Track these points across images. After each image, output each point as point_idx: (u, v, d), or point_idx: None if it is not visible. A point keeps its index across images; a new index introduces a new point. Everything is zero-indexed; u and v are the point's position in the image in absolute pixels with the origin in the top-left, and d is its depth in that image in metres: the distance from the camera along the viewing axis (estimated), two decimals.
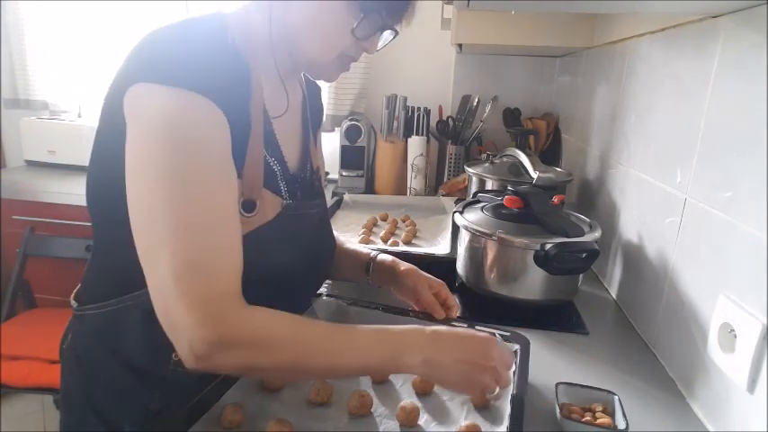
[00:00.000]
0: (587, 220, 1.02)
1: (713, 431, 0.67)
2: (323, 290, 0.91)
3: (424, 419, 0.62)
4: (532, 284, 0.93)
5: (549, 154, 1.70)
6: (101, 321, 0.67)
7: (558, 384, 0.67)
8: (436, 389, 0.67)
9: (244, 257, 0.60)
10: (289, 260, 0.71)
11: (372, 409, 0.63)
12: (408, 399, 0.65)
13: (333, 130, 1.93)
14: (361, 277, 0.89)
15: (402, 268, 0.86)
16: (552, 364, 0.80)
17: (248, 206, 0.64)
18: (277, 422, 0.57)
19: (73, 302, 0.72)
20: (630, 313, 0.97)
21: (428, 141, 1.77)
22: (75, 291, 0.73)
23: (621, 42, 1.15)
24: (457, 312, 0.83)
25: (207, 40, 0.61)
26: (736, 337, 0.62)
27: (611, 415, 0.64)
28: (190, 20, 0.63)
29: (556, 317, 0.94)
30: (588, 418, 0.63)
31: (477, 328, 0.76)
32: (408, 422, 0.60)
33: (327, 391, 0.64)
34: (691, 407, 0.72)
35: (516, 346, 0.73)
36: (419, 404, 0.64)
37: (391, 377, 0.70)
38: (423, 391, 0.67)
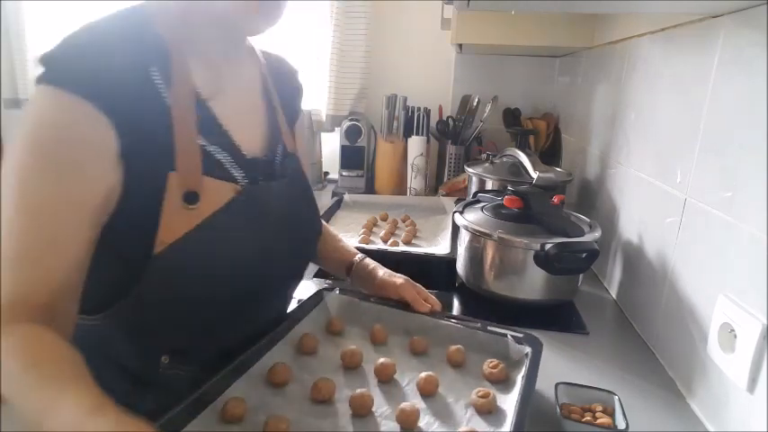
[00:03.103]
0: (587, 220, 1.02)
1: (713, 431, 0.67)
2: (335, 284, 0.90)
3: (425, 421, 0.61)
4: (532, 284, 0.93)
5: (549, 154, 1.70)
6: (85, 332, 0.67)
7: (557, 384, 0.67)
8: (441, 390, 0.66)
9: (203, 245, 0.61)
10: (256, 242, 0.69)
11: (374, 409, 0.62)
12: (412, 400, 0.64)
13: (333, 130, 1.93)
14: (344, 276, 0.90)
15: (378, 279, 0.85)
16: (552, 364, 0.80)
17: (189, 197, 0.61)
18: (275, 419, 0.57)
19: None
20: (630, 313, 0.97)
21: (428, 141, 1.77)
22: None
23: (621, 42, 1.15)
24: (438, 306, 0.82)
25: (105, 39, 0.59)
26: (736, 337, 0.62)
27: (611, 415, 0.64)
28: (104, 17, 0.61)
29: (556, 317, 0.94)
30: (588, 418, 0.63)
31: (490, 328, 0.75)
32: (408, 425, 0.59)
33: (330, 388, 0.64)
34: (691, 407, 0.72)
35: (528, 349, 0.71)
36: (421, 405, 0.63)
37: (396, 377, 0.69)
38: (427, 393, 0.66)
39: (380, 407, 0.63)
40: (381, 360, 0.69)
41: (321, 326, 0.80)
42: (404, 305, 0.81)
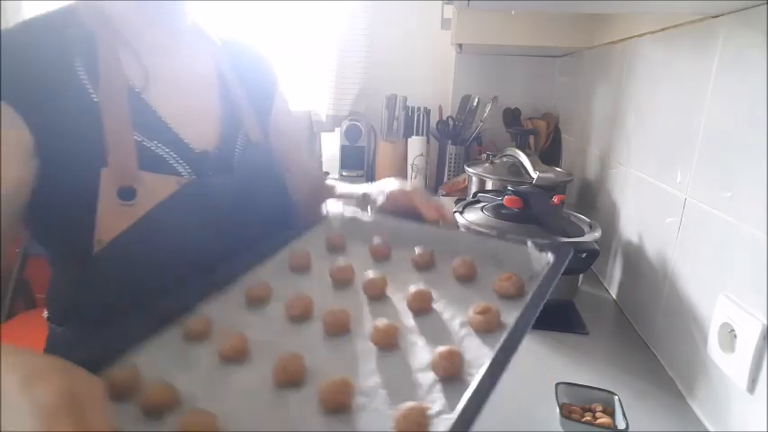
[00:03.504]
0: (587, 220, 1.02)
1: (713, 431, 0.67)
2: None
3: (409, 341, 0.52)
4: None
5: (548, 154, 1.70)
6: (57, 340, 0.68)
7: (557, 384, 0.67)
8: (438, 306, 0.57)
9: (143, 241, 0.59)
10: (204, 237, 0.65)
11: (354, 327, 0.54)
12: (404, 318, 0.56)
13: (333, 130, 1.93)
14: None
15: (388, 193, 0.76)
16: (552, 364, 0.80)
17: (125, 193, 0.59)
18: (236, 338, 0.50)
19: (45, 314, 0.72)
20: (630, 313, 0.97)
21: (428, 141, 1.77)
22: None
23: (621, 42, 1.15)
24: (450, 217, 0.73)
25: (26, 39, 0.59)
26: (736, 337, 0.62)
27: (612, 415, 0.64)
28: (30, 18, 0.62)
29: (556, 317, 0.94)
30: (588, 418, 0.63)
31: (508, 236, 0.67)
32: (384, 344, 0.50)
33: (303, 305, 0.56)
34: (691, 407, 0.72)
35: (551, 257, 0.59)
36: (409, 324, 0.54)
37: (391, 293, 0.60)
38: (417, 309, 0.56)
39: (361, 325, 0.55)
40: (370, 274, 0.60)
41: (321, 243, 0.72)
42: (415, 219, 0.72)
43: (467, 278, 0.61)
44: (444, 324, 0.54)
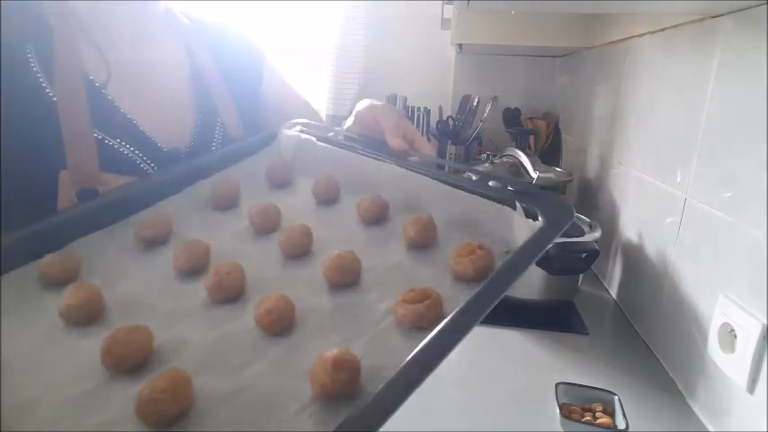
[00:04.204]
0: (587, 220, 1.02)
1: (713, 431, 0.67)
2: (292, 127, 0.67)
3: (302, 329, 0.39)
4: (532, 284, 0.93)
5: (549, 154, 1.70)
6: None
7: (557, 384, 0.67)
8: (368, 279, 0.44)
9: None
10: None
11: (249, 294, 0.44)
12: (317, 290, 0.43)
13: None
14: None
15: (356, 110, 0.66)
16: (552, 364, 0.80)
17: (86, 197, 0.54)
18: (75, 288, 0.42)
19: None
20: (630, 313, 0.97)
21: (428, 141, 1.77)
22: None
23: (621, 42, 1.15)
24: (425, 149, 0.60)
25: None
26: (736, 337, 0.62)
27: (611, 415, 0.64)
28: None
29: (556, 317, 0.94)
30: (588, 418, 0.63)
31: (490, 184, 0.50)
32: (267, 328, 0.38)
33: (191, 258, 0.46)
34: (691, 407, 0.72)
35: (539, 223, 0.44)
36: (322, 300, 0.42)
37: (317, 251, 0.48)
38: (333, 281, 0.43)
39: (257, 292, 0.43)
40: (289, 226, 0.48)
41: (261, 172, 0.60)
42: (381, 147, 0.59)
43: (419, 243, 0.47)
44: (364, 308, 0.41)
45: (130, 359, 0.36)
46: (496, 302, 0.35)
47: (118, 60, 0.61)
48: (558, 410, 0.64)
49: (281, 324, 0.38)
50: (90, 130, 0.56)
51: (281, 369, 0.36)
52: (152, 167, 0.60)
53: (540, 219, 0.44)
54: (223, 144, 0.68)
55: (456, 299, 0.38)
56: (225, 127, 0.68)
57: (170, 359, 0.38)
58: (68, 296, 0.41)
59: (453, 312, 0.34)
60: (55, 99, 0.55)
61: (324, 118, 1.92)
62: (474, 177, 0.52)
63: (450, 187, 0.51)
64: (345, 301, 0.42)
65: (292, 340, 0.38)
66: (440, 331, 0.33)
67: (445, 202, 0.50)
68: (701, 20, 0.78)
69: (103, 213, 0.51)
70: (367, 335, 0.38)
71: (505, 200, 0.47)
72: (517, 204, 0.46)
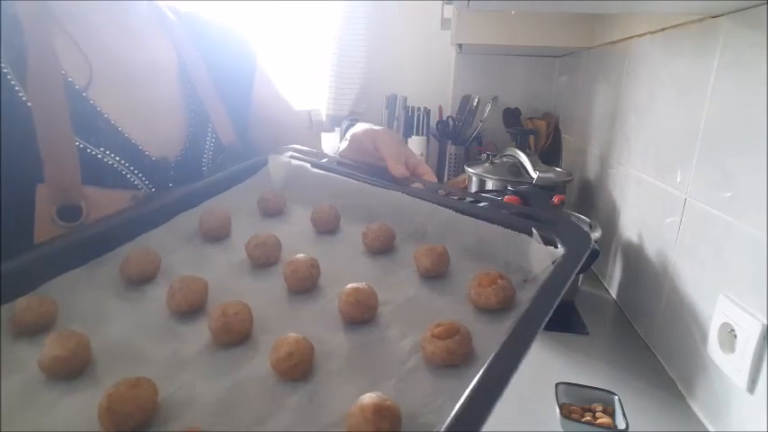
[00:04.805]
0: (587, 220, 1.02)
1: (713, 431, 0.67)
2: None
3: (321, 373, 0.35)
4: None
5: (549, 154, 1.70)
6: None
7: (557, 384, 0.67)
8: (386, 313, 0.41)
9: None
10: None
11: (257, 334, 0.40)
12: (332, 327, 0.40)
13: (333, 131, 1.93)
14: None
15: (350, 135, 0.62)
16: (552, 364, 0.80)
17: (68, 213, 0.49)
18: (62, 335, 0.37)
19: None
20: (630, 313, 0.97)
21: (428, 141, 1.77)
22: None
23: (621, 42, 1.15)
24: (428, 176, 0.57)
25: None
26: (736, 337, 0.62)
27: (611, 415, 0.64)
28: None
29: (556, 317, 0.93)
30: (588, 418, 0.63)
31: (503, 212, 0.49)
32: (280, 371, 0.35)
33: (189, 297, 0.42)
34: (691, 407, 0.72)
35: (561, 251, 0.43)
36: (338, 338, 0.39)
37: (323, 284, 0.45)
38: (350, 317, 0.40)
39: (265, 332, 0.39)
40: (294, 259, 0.45)
41: (251, 202, 0.56)
42: (381, 172, 0.56)
43: (434, 274, 0.44)
44: (386, 346, 0.38)
45: (134, 418, 0.31)
46: (533, 339, 0.35)
47: (100, 60, 0.55)
48: (558, 410, 0.64)
49: (301, 368, 0.34)
50: (70, 139, 0.51)
51: (306, 419, 0.32)
52: (140, 178, 0.55)
53: (559, 246, 0.43)
54: (215, 152, 0.63)
55: (482, 332, 0.37)
56: (216, 133, 0.63)
57: (177, 415, 0.32)
58: (53, 346, 0.35)
59: (491, 357, 0.33)
60: (29, 104, 0.49)
61: (324, 118, 1.93)
62: (483, 206, 0.50)
63: (461, 215, 0.49)
64: (364, 339, 0.38)
65: (312, 386, 0.34)
66: (483, 377, 0.32)
67: (456, 230, 0.48)
68: (700, 20, 0.78)
69: (81, 248, 0.45)
70: (395, 377, 0.34)
71: (519, 226, 0.46)
72: (533, 231, 0.45)
